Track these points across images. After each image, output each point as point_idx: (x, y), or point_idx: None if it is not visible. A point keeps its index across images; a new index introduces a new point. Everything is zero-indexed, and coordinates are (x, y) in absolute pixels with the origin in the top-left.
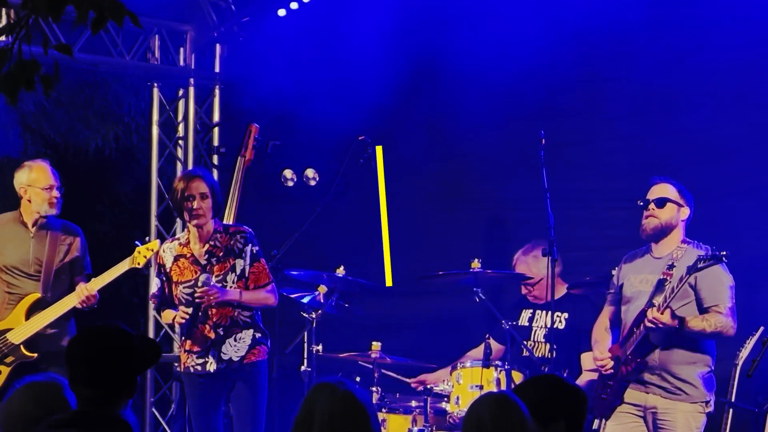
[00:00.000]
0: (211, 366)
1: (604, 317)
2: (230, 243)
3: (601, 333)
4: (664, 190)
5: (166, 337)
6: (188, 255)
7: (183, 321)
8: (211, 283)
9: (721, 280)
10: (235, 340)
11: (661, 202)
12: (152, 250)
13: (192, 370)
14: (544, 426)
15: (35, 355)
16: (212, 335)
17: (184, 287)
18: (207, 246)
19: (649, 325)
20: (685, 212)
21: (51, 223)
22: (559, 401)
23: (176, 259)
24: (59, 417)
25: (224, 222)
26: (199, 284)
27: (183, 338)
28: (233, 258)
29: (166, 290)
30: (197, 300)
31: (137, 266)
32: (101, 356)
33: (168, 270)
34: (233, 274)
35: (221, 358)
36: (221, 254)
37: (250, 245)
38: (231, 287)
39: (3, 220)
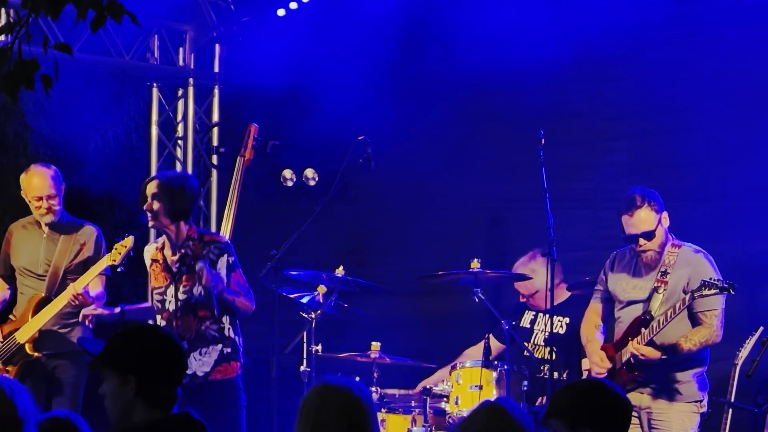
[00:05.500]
0: None
1: (592, 314)
2: (203, 252)
3: (591, 331)
4: (643, 219)
5: None
6: (160, 260)
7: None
8: (209, 268)
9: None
10: (201, 354)
11: (650, 235)
12: (126, 247)
13: None
14: (573, 430)
15: (39, 354)
16: None
17: (155, 293)
18: (179, 253)
19: (631, 356)
20: (666, 217)
21: (65, 223)
22: (585, 408)
23: (152, 263)
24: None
25: (203, 226)
26: (197, 269)
27: None
28: None
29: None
30: (207, 285)
31: (113, 263)
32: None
33: (149, 274)
34: (200, 286)
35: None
36: (191, 263)
37: (225, 255)
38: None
39: (24, 221)
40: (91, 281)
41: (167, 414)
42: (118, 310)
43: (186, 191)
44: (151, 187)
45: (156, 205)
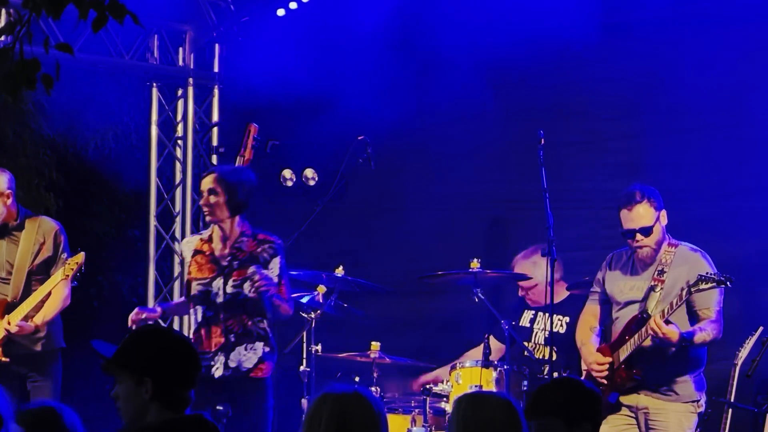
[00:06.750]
0: (218, 371)
1: (589, 316)
2: (256, 250)
3: (587, 333)
4: (642, 214)
5: None
6: (207, 252)
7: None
8: (262, 271)
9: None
10: (246, 349)
11: (647, 231)
12: (78, 263)
13: None
14: (569, 427)
15: (6, 359)
16: (222, 340)
17: (197, 284)
18: (231, 248)
19: (651, 333)
20: (664, 215)
21: (22, 220)
22: (584, 403)
23: (195, 254)
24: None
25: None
26: (249, 272)
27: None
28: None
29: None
30: (260, 289)
31: (65, 278)
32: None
33: (188, 265)
34: (252, 285)
35: (228, 365)
36: (244, 259)
37: (278, 257)
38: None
39: None
40: (54, 287)
41: (180, 415)
42: (159, 309)
43: (245, 185)
44: (207, 182)
45: (213, 199)
